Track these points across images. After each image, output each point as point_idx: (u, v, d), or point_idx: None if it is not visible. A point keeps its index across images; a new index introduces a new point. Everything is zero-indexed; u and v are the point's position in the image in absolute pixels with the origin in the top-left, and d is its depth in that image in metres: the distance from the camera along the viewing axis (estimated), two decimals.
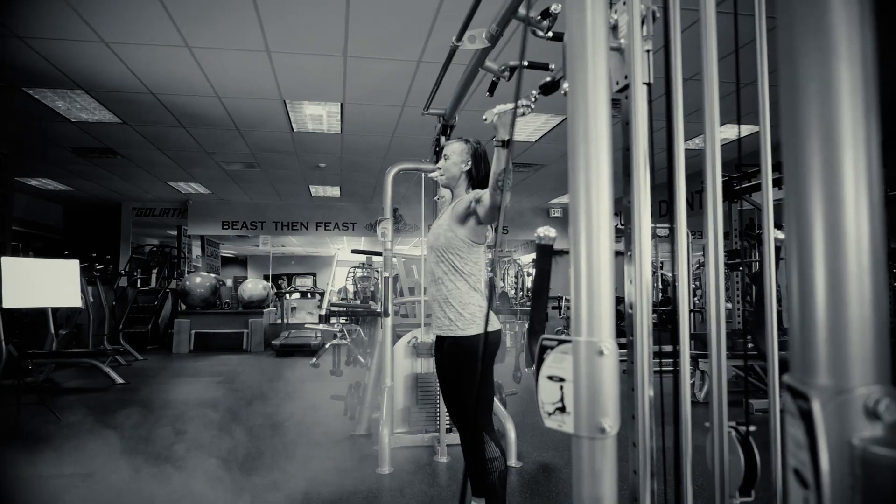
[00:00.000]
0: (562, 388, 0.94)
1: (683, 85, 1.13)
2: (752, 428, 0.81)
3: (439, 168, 2.44)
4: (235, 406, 4.98)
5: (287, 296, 11.63)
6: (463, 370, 2.21)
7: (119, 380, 6.19)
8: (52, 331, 6.63)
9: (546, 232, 1.08)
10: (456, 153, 2.40)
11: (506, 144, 1.95)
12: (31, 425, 4.23)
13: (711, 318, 0.92)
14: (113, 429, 4.05)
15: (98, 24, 3.85)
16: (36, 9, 3.67)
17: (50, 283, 4.47)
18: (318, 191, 10.13)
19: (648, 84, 1.16)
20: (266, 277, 13.50)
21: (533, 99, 1.93)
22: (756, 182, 5.64)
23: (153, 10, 3.67)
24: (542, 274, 1.13)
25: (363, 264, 10.57)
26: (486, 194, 2.09)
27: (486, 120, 1.99)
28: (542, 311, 1.16)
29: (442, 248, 2.27)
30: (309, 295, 13.13)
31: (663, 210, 9.56)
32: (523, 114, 2.02)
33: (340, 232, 11.76)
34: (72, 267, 4.66)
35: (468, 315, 2.21)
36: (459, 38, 2.49)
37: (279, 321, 10.95)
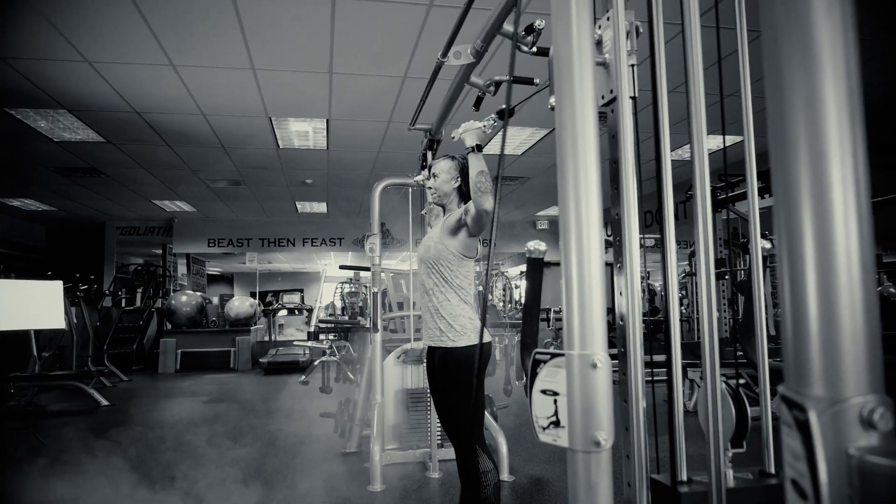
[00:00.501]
0: (556, 401, 0.94)
1: (668, 97, 1.15)
2: (741, 381, 0.82)
3: (430, 187, 2.48)
4: (223, 426, 4.91)
5: (274, 313, 11.54)
6: (454, 382, 2.21)
7: (104, 402, 6.09)
8: (35, 353, 6.52)
9: (536, 246, 1.09)
10: (444, 171, 2.44)
11: (476, 149, 2.18)
12: (14, 450, 4.14)
13: (704, 316, 0.92)
14: (98, 453, 3.97)
15: (81, 43, 3.84)
16: (18, 29, 3.65)
17: (33, 305, 4.40)
18: (304, 206, 10.10)
19: (634, 98, 1.18)
20: (253, 294, 13.39)
21: (492, 122, 2.30)
22: (741, 191, 5.71)
23: (138, 30, 3.66)
24: (533, 287, 1.13)
25: (351, 279, 10.53)
26: (472, 204, 2.13)
27: (454, 137, 2.19)
28: (533, 325, 1.16)
29: (432, 260, 2.29)
30: (297, 311, 13.04)
31: (648, 220, 9.64)
32: (485, 131, 2.24)
33: (327, 247, 11.72)
34: (55, 288, 4.59)
35: (458, 327, 2.22)
36: (445, 53, 2.50)
37: (267, 338, 10.85)
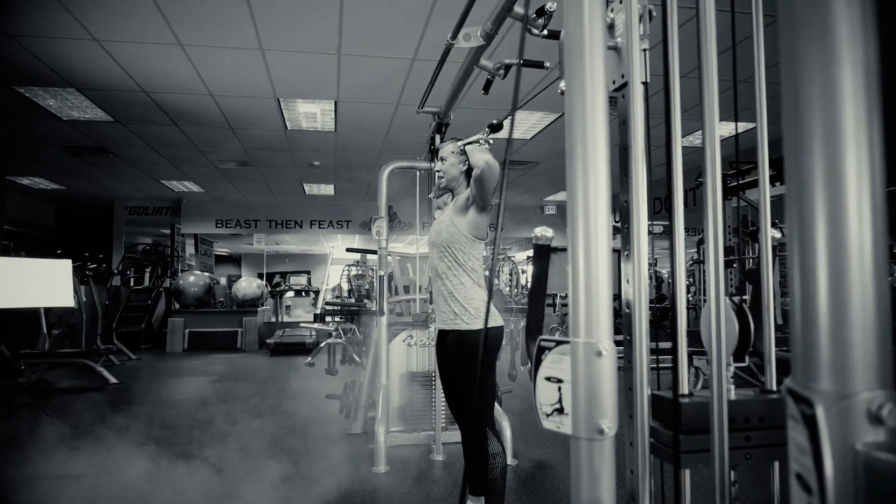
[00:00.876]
0: (560, 388, 0.94)
1: (680, 81, 1.13)
2: (745, 297, 0.83)
3: (439, 170, 2.47)
4: (230, 405, 4.96)
5: (281, 294, 11.59)
6: (467, 365, 2.22)
7: (113, 379, 6.16)
8: (45, 331, 6.60)
9: (543, 232, 1.08)
10: (452, 154, 2.43)
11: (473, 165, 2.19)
12: (24, 426, 4.20)
13: (711, 301, 0.91)
14: (107, 429, 4.02)
15: (90, 21, 3.82)
16: (26, 6, 3.63)
17: (42, 283, 4.43)
18: (312, 189, 10.10)
19: (645, 83, 1.16)
20: (260, 276, 13.45)
21: (487, 134, 2.37)
22: (751, 178, 5.66)
23: (145, 8, 3.64)
24: (539, 274, 1.13)
25: (357, 262, 10.55)
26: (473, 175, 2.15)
27: (460, 148, 2.33)
28: (539, 311, 1.15)
29: (444, 243, 2.29)
30: (303, 293, 13.10)
31: (657, 207, 9.59)
32: (481, 144, 2.30)
33: (335, 230, 11.73)
34: (64, 266, 4.62)
35: (473, 310, 2.23)
36: (454, 36, 2.48)
37: (274, 320, 10.91)
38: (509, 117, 2.15)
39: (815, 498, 0.42)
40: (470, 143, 2.33)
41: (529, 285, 1.09)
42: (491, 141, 2.34)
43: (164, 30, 3.93)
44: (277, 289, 11.63)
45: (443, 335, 2.37)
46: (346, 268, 10.56)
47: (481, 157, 2.11)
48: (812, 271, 0.45)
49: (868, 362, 0.43)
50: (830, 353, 0.44)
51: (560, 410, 0.94)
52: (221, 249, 19.17)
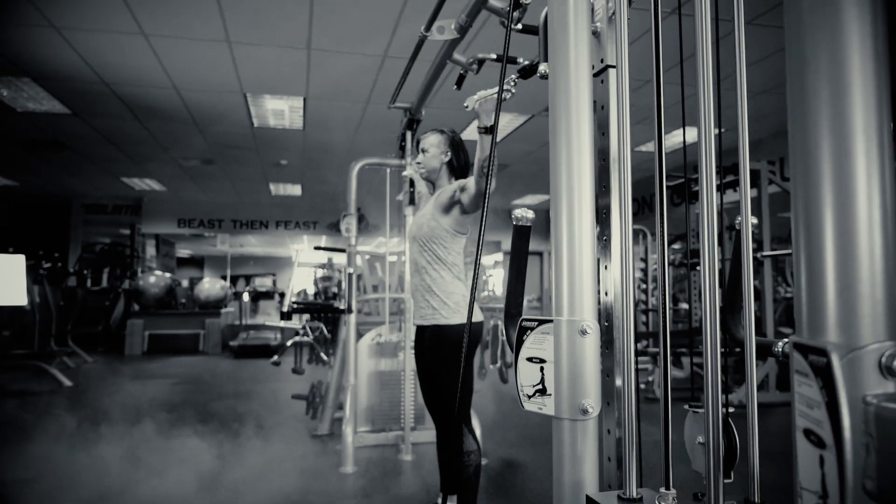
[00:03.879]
0: (542, 369, 0.92)
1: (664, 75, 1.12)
2: (731, 409, 0.80)
3: (419, 162, 2.44)
4: (190, 408, 4.82)
5: (246, 295, 11.36)
6: (445, 360, 2.18)
7: (67, 382, 5.93)
8: None
9: (524, 213, 1.06)
10: (434, 145, 2.41)
11: (489, 130, 1.95)
12: None
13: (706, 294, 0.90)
14: (59, 432, 3.86)
15: (47, 7, 3.67)
16: None
17: None
18: (278, 189, 9.93)
19: (623, 68, 1.15)
20: (224, 278, 13.17)
21: (513, 83, 1.95)
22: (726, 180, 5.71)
23: None
24: (518, 255, 1.10)
25: (324, 265, 10.40)
26: (470, 182, 2.09)
27: (467, 107, 2.01)
28: (519, 294, 1.13)
29: (425, 237, 2.26)
30: (268, 296, 12.86)
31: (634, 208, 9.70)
32: (505, 98, 2.01)
33: (301, 231, 11.57)
34: (18, 262, 4.42)
35: (452, 304, 2.20)
36: (428, 27, 2.45)
37: (238, 322, 10.69)
38: (505, 92, 1.95)
39: (829, 451, 0.41)
40: (491, 97, 1.97)
41: (508, 267, 1.06)
42: (514, 91, 1.92)
43: (127, 18, 3.80)
44: (242, 291, 11.39)
45: (421, 331, 2.33)
46: (314, 269, 10.40)
47: (487, 148, 1.93)
48: (818, 222, 0.44)
49: (877, 314, 0.42)
50: (838, 306, 0.43)
51: (542, 391, 0.92)
52: (184, 251, 18.70)
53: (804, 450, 0.44)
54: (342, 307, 3.68)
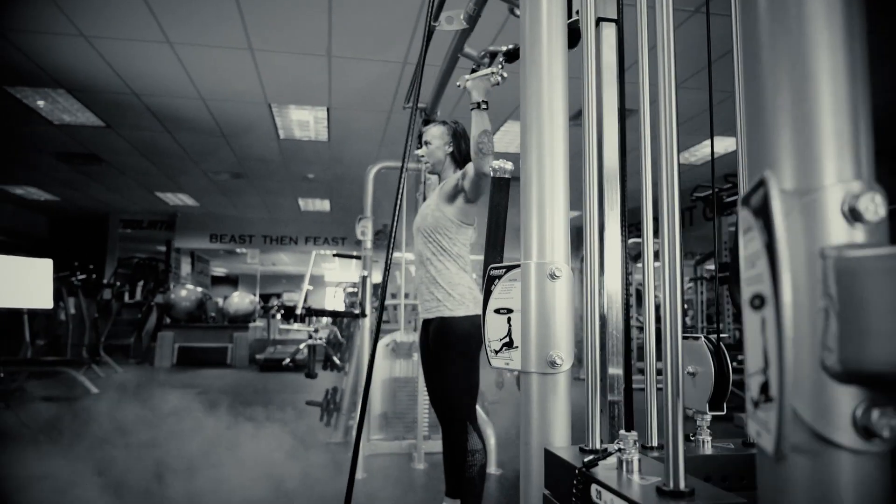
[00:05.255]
0: (509, 319, 0.83)
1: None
2: (724, 335, 0.70)
3: (422, 155, 2.42)
4: (208, 415, 4.80)
5: (279, 315, 11.38)
6: (450, 353, 2.11)
7: (94, 390, 5.99)
8: (28, 339, 6.45)
9: (502, 164, 0.99)
10: (436, 137, 2.39)
11: (481, 105, 1.98)
12: None
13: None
14: (78, 434, 3.87)
15: (75, 13, 3.77)
16: (13, 1, 3.60)
17: (21, 283, 4.32)
18: (307, 204, 10.03)
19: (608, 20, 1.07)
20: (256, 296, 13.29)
21: (500, 66, 2.01)
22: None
23: (133, 3, 3.60)
24: (497, 210, 1.03)
25: (354, 283, 10.40)
26: (469, 166, 2.05)
27: (458, 85, 2.02)
28: (497, 253, 1.05)
29: (430, 228, 2.21)
30: (295, 318, 12.86)
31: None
32: (497, 83, 2.01)
33: (330, 246, 11.64)
34: (45, 266, 4.52)
35: (458, 295, 2.13)
36: (436, 17, 2.42)
37: (266, 336, 10.74)
38: (495, 74, 2.01)
39: (769, 306, 0.32)
40: (481, 76, 1.99)
41: (487, 223, 0.99)
42: (505, 75, 1.99)
43: (153, 25, 3.88)
44: (270, 305, 11.47)
45: (426, 324, 2.27)
46: (343, 287, 10.39)
47: (480, 124, 1.95)
48: (762, 34, 0.35)
49: (840, 147, 0.33)
50: (790, 137, 0.34)
51: (509, 344, 0.83)
52: (219, 269, 19.04)
53: (750, 323, 0.34)
54: (356, 312, 3.63)
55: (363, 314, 3.57)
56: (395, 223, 1.32)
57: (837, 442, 0.31)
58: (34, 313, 6.56)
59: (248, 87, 4.91)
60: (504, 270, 0.85)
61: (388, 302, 4.36)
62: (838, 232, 0.32)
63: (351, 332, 4.48)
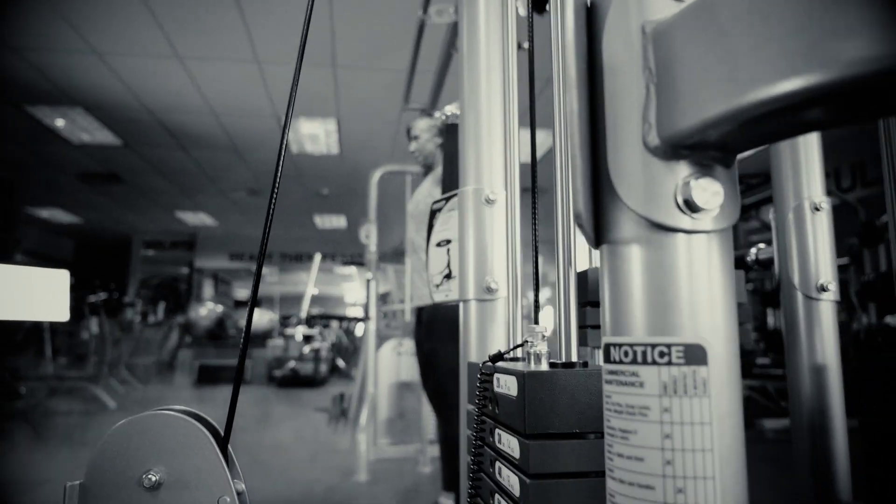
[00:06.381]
0: (448, 251, 0.81)
1: None
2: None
3: (413, 150, 2.42)
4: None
5: (299, 333, 11.42)
6: (442, 339, 2.07)
7: (112, 405, 6.05)
8: (50, 354, 6.55)
9: (454, 110, 0.96)
10: (424, 130, 2.38)
11: None
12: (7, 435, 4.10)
13: None
14: (84, 444, 3.90)
15: (85, 29, 3.87)
16: (25, 19, 3.72)
17: (37, 295, 4.39)
18: (323, 221, 10.11)
19: None
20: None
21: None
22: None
23: (141, 17, 3.69)
24: (451, 158, 1.00)
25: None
26: None
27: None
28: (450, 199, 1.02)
29: (423, 214, 2.19)
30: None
31: None
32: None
33: (348, 265, 11.69)
34: (61, 278, 4.59)
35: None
36: (425, 10, 2.43)
37: (284, 354, 10.77)
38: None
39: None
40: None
41: (441, 173, 0.97)
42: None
43: (161, 39, 3.98)
44: (288, 322, 11.52)
45: (419, 313, 2.24)
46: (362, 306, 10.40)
47: None
48: None
49: None
50: None
51: (448, 275, 0.80)
52: (241, 291, 19.25)
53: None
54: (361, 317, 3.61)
55: (367, 317, 3.55)
56: None
57: (666, 224, 0.28)
58: (55, 330, 6.68)
59: (257, 100, 4.99)
60: (444, 202, 0.83)
61: (395, 307, 4.34)
62: (662, 8, 0.29)
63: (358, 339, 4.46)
